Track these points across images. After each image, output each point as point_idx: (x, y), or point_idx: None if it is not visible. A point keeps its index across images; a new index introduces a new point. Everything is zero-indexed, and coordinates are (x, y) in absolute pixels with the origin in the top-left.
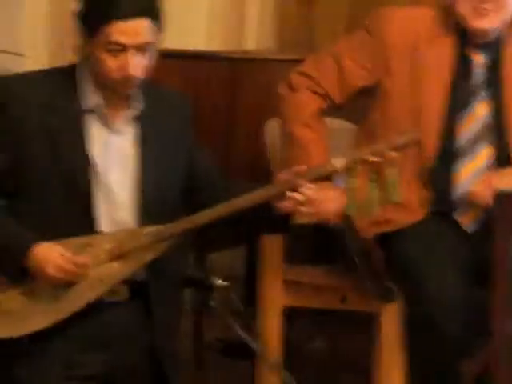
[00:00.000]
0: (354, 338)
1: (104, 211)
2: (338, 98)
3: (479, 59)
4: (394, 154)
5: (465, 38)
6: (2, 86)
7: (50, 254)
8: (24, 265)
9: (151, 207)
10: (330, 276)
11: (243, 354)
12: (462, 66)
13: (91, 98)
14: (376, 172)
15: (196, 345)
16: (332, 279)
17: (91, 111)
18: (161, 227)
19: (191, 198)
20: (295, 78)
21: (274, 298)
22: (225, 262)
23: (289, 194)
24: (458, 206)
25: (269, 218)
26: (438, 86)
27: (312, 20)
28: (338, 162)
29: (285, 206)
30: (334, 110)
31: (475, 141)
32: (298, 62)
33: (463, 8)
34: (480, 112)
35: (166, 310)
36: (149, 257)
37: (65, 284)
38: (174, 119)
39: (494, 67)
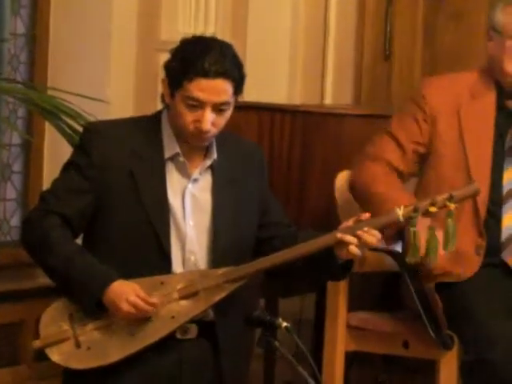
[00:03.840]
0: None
1: (178, 254)
2: (405, 169)
3: None
4: (453, 205)
5: (504, 93)
6: (92, 129)
7: (125, 291)
8: (101, 300)
9: (223, 253)
10: (393, 322)
11: None
12: (504, 117)
13: (171, 146)
14: (435, 221)
15: None
16: (395, 325)
17: (171, 159)
18: (233, 268)
19: (260, 246)
20: (362, 163)
21: (337, 343)
22: (296, 306)
23: (348, 238)
24: (505, 248)
25: (330, 265)
26: (484, 139)
27: (389, 76)
28: (400, 212)
29: (346, 252)
30: (406, 178)
31: None
32: (372, 116)
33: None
34: None
35: (233, 349)
36: (218, 297)
37: (138, 320)
38: (247, 169)
39: None
